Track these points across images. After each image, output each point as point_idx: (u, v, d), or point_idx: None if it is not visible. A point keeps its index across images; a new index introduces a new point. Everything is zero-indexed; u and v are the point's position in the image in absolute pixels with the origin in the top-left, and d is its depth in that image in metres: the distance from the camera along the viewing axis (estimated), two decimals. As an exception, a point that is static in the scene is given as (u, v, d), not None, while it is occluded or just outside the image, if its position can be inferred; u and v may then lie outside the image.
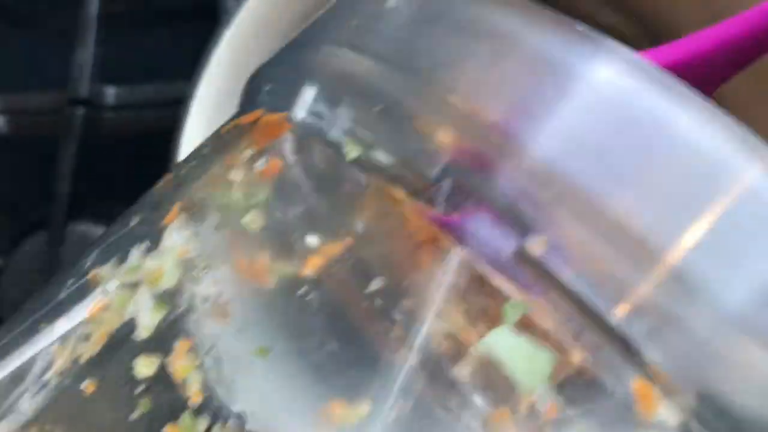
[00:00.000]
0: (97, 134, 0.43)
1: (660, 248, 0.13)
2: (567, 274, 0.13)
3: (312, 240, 0.16)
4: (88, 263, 0.18)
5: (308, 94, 0.16)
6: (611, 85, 0.14)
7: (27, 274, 0.42)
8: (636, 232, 0.13)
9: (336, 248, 0.15)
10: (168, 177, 0.19)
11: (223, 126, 0.19)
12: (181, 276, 0.16)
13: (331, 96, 0.16)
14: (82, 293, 0.18)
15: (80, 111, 0.43)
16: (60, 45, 0.43)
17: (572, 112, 0.13)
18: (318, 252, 0.16)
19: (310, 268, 0.16)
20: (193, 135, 0.43)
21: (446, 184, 0.13)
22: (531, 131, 0.13)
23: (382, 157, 0.14)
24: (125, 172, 0.44)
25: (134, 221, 0.18)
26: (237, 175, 0.16)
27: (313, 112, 0.16)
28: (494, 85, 0.14)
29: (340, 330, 0.16)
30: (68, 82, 0.42)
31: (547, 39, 0.14)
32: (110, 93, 0.44)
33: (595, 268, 0.13)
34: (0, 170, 0.44)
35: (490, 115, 0.13)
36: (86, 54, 0.43)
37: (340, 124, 0.15)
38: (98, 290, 0.17)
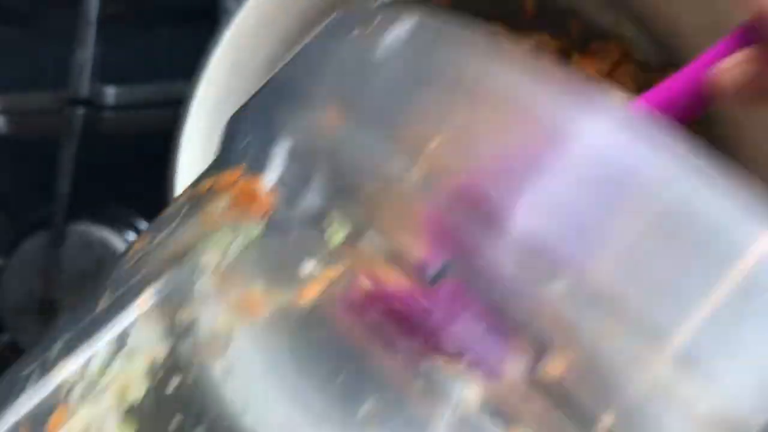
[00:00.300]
0: (97, 134, 0.43)
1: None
2: (584, 397, 0.12)
3: (308, 266, 0.15)
4: (54, 353, 0.17)
5: (284, 158, 0.15)
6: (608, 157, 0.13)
7: (27, 274, 0.42)
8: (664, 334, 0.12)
9: (335, 272, 0.15)
10: (135, 252, 0.18)
11: (199, 182, 0.17)
12: (150, 385, 0.15)
13: (308, 164, 0.15)
14: (47, 401, 0.16)
15: (80, 111, 0.43)
16: (60, 45, 0.42)
17: (574, 192, 0.13)
18: (316, 279, 0.15)
19: (307, 295, 0.15)
20: (193, 135, 0.43)
21: (445, 288, 0.12)
22: (528, 213, 0.12)
23: (372, 242, 0.13)
24: (125, 172, 0.44)
25: (102, 304, 0.17)
26: (225, 218, 0.16)
27: (291, 178, 0.15)
28: (497, 159, 0.13)
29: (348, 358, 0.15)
30: (68, 82, 0.42)
31: (553, 102, 0.13)
32: (110, 93, 0.44)
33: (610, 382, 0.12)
34: (0, 170, 0.44)
35: (497, 199, 0.13)
36: (86, 54, 0.42)
37: (320, 199, 0.14)
38: (62, 398, 0.16)
